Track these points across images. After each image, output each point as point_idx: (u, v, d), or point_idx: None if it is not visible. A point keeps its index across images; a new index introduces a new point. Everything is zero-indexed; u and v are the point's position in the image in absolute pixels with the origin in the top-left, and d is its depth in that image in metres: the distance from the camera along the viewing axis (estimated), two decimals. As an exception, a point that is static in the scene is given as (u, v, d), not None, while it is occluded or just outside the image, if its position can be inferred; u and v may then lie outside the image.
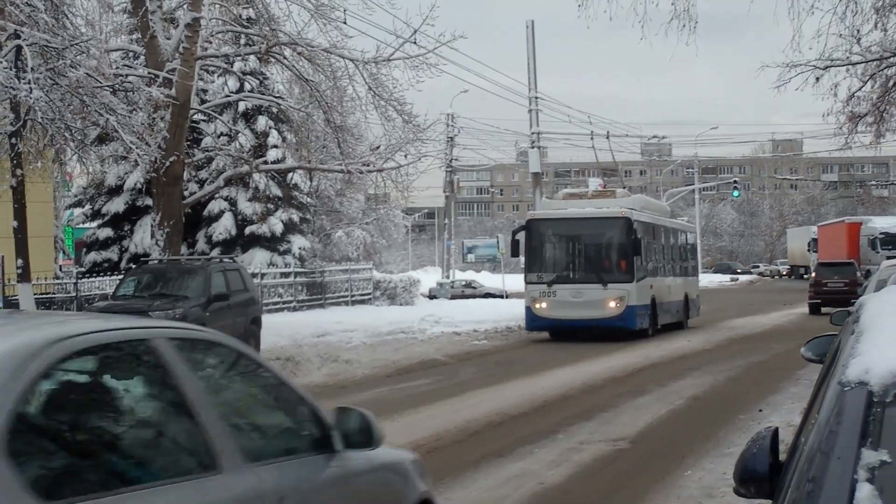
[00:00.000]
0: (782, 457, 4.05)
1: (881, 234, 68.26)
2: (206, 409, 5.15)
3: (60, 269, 47.99)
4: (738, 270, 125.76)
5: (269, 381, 6.30)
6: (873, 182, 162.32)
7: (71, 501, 4.15)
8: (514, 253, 37.77)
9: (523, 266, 36.96)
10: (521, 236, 36.34)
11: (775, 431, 4.16)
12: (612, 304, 34.11)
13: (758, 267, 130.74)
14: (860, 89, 29.29)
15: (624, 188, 45.33)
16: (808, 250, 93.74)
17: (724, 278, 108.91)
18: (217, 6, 33.06)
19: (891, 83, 29.44)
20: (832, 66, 27.16)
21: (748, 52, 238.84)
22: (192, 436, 5.07)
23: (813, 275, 50.70)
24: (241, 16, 34.13)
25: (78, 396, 4.85)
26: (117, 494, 4.39)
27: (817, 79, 26.92)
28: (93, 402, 4.91)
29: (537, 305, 35.03)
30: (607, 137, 59.04)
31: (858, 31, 25.40)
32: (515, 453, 14.29)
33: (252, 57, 42.02)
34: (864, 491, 3.01)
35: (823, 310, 43.76)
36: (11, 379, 4.21)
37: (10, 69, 23.29)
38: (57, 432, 4.52)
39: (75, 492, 4.23)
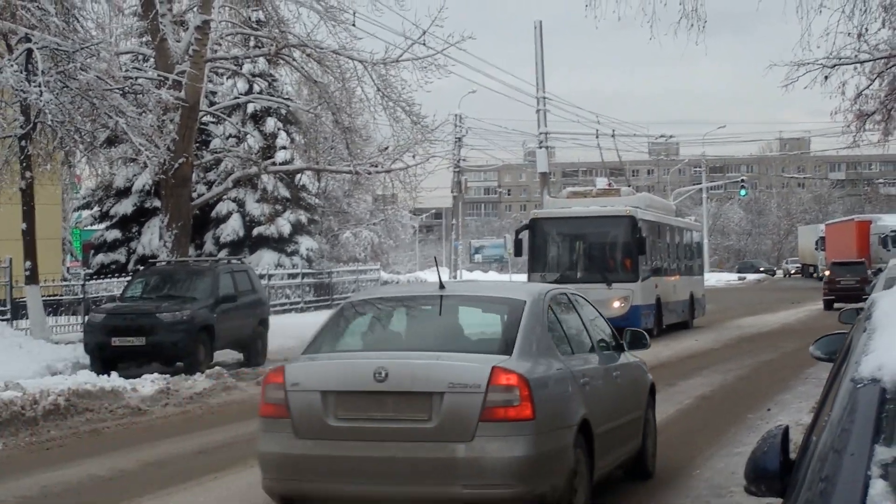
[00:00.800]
0: (793, 455, 4.07)
1: (892, 231, 68.20)
2: (588, 324, 11.80)
3: (68, 271, 48.11)
4: (762, 269, 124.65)
5: (591, 311, 12.25)
6: (881, 180, 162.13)
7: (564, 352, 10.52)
8: (518, 252, 37.51)
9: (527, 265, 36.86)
10: (525, 235, 36.18)
11: (786, 430, 4.18)
12: (617, 303, 33.88)
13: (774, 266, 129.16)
14: (868, 87, 29.31)
15: (630, 187, 45.27)
16: (816, 248, 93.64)
17: (731, 277, 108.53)
18: (227, 9, 33.09)
19: (899, 82, 29.47)
20: (840, 65, 27.16)
21: (756, 50, 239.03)
22: (584, 335, 11.55)
23: (827, 273, 53.89)
24: (250, 18, 34.15)
25: (557, 315, 10.91)
26: (577, 355, 10.80)
27: (826, 77, 26.94)
28: (562, 316, 11.13)
29: None
30: (612, 136, 58.97)
31: (866, 29, 25.40)
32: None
33: (261, 59, 42.07)
34: (878, 487, 3.03)
35: (836, 305, 45.93)
36: (543, 307, 10.50)
37: (21, 72, 23.39)
38: (553, 327, 10.61)
39: (563, 352, 10.46)
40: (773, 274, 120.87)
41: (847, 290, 49.38)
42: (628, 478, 12.58)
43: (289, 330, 32.86)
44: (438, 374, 9.37)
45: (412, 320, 11.16)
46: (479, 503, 9.34)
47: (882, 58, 27.75)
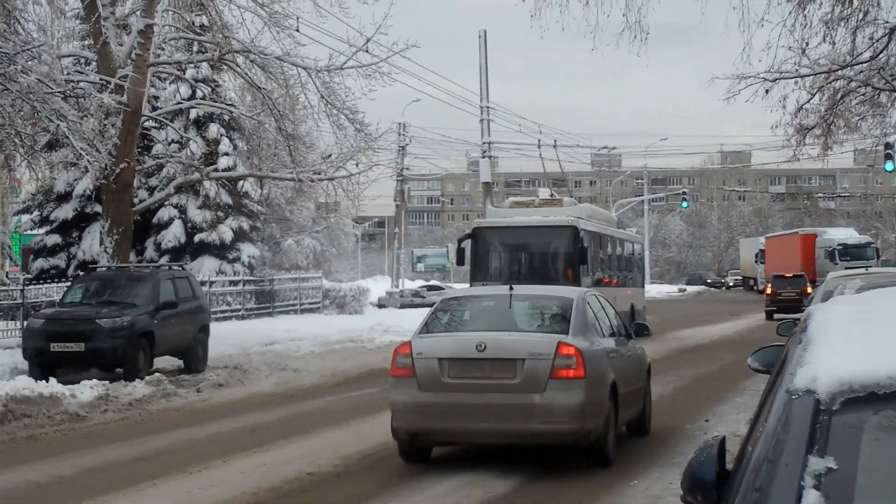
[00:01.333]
0: (730, 466, 4.10)
1: (839, 245, 68.73)
2: (609, 317, 16.06)
3: (7, 276, 47.61)
4: (709, 281, 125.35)
5: (611, 309, 16.29)
6: (820, 194, 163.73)
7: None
8: (461, 261, 37.46)
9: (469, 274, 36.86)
10: (468, 244, 36.19)
11: (723, 440, 4.21)
12: None
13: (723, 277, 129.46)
14: (808, 102, 29.55)
15: (572, 198, 45.40)
16: (756, 261, 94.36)
17: (672, 289, 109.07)
18: (170, 13, 32.96)
19: (838, 96, 29.72)
20: (781, 79, 27.38)
21: (699, 63, 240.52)
22: (607, 324, 15.58)
23: (769, 286, 57.50)
24: (194, 23, 34.01)
25: (591, 308, 15.23)
26: (604, 338, 15.04)
27: (766, 91, 27.13)
28: (594, 310, 15.36)
29: None
30: (555, 147, 59.12)
31: (807, 43, 25.62)
32: (465, 460, 14.32)
33: (204, 64, 41.87)
34: (811, 498, 3.06)
35: (776, 316, 49.41)
36: (583, 302, 14.88)
37: (-40, 74, 23.14)
38: (589, 317, 14.93)
39: (596, 334, 14.82)
40: (721, 286, 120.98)
41: (787, 301, 53.24)
42: (631, 435, 16.28)
43: (229, 337, 32.75)
44: (522, 346, 13.79)
45: (494, 310, 15.33)
46: (549, 435, 13.73)
47: (822, 72, 28.00)
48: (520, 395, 13.50)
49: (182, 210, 48.50)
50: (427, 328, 14.70)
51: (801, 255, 69.05)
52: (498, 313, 15.14)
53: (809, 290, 50.06)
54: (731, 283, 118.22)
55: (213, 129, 48.55)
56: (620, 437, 15.04)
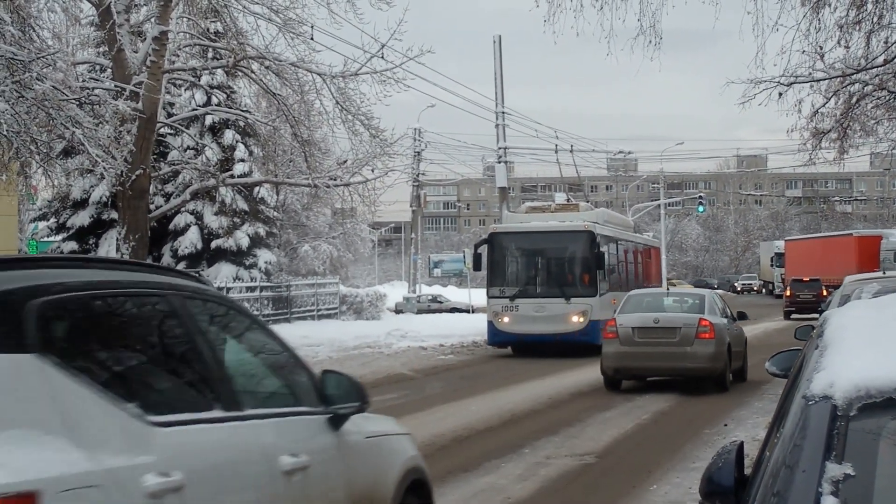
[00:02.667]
0: (747, 471, 4.08)
1: None
2: (726, 305, 27.36)
3: (25, 283, 47.72)
4: (716, 286, 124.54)
5: (723, 302, 27.17)
6: (837, 198, 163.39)
7: None
8: (477, 266, 37.52)
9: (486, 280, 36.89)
10: (484, 250, 36.22)
11: (740, 446, 4.19)
12: (576, 318, 34.00)
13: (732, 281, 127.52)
14: (824, 106, 29.44)
15: (588, 202, 45.35)
16: (772, 265, 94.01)
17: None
18: (185, 20, 32.99)
19: (854, 100, 29.62)
20: (796, 83, 27.26)
21: (714, 67, 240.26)
22: (726, 309, 26.35)
23: (788, 289, 64.05)
24: (208, 29, 34.05)
25: (716, 300, 26.70)
26: (724, 318, 25.40)
27: (780, 95, 27.02)
28: (717, 301, 26.83)
29: (499, 320, 34.85)
30: (571, 152, 59.15)
31: (822, 47, 25.52)
32: (482, 468, 14.31)
33: (219, 71, 42.00)
34: (829, 504, 3.05)
35: (794, 316, 57.39)
36: (713, 296, 26.82)
37: (-24, 82, 23.18)
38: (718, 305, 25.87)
39: (720, 315, 25.46)
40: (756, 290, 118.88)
41: (805, 303, 58.91)
42: (735, 380, 24.77)
43: (246, 343, 32.73)
44: (679, 320, 23.95)
45: (660, 300, 26.32)
46: (694, 370, 23.46)
47: (837, 76, 27.91)
48: (678, 348, 23.36)
49: (198, 216, 48.58)
50: (623, 309, 25.18)
51: (858, 256, 68.00)
52: (663, 302, 25.99)
53: (825, 293, 53.96)
54: (739, 289, 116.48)
55: (229, 136, 48.63)
56: (622, 441, 15.02)
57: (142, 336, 5.86)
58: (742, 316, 26.89)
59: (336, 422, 7.00)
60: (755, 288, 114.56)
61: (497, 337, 35.26)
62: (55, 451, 4.48)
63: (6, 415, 4.45)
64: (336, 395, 7.08)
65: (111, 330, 5.59)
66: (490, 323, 35.25)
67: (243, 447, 5.91)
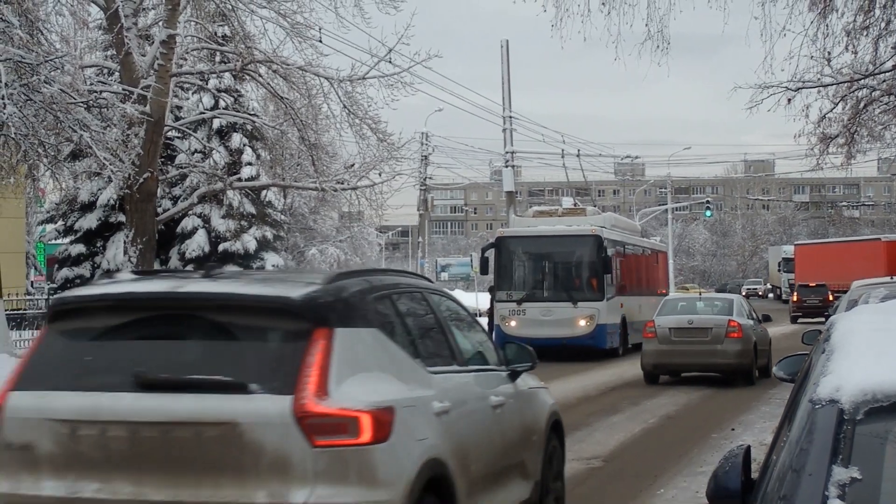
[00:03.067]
0: (755, 475, 4.09)
1: None
2: (752, 309, 30.08)
3: (32, 285, 47.87)
4: (742, 292, 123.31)
5: (749, 305, 30.51)
6: (844, 203, 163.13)
7: None
8: (484, 270, 37.44)
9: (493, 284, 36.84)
10: (491, 254, 36.19)
11: (747, 449, 4.20)
12: (583, 322, 33.96)
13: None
14: (831, 111, 29.42)
15: (595, 207, 45.33)
16: (779, 270, 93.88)
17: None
18: (193, 23, 33.03)
19: (861, 105, 29.61)
20: (804, 88, 27.28)
21: (721, 72, 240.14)
22: (752, 313, 29.19)
23: (795, 294, 65.68)
24: (216, 33, 34.10)
25: (744, 304, 29.86)
26: (749, 319, 28.23)
27: (789, 100, 27.02)
28: (745, 304, 30.00)
29: (506, 324, 34.79)
30: (578, 156, 59.17)
31: (829, 53, 25.52)
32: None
33: (227, 74, 41.97)
34: (835, 507, 3.06)
35: (801, 320, 58.63)
36: (740, 301, 29.99)
37: (-16, 85, 23.21)
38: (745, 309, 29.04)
39: (747, 317, 28.22)
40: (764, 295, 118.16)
41: (811, 307, 60.79)
42: (760, 376, 26.69)
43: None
44: (711, 321, 26.38)
45: (694, 304, 28.23)
46: (724, 366, 26.26)
47: (845, 82, 27.90)
48: (710, 346, 25.96)
49: (206, 220, 48.63)
50: (660, 312, 27.84)
51: (887, 261, 67.45)
52: (695, 306, 28.08)
53: (831, 297, 56.06)
54: (744, 293, 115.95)
55: (236, 139, 48.68)
56: (629, 445, 15.04)
57: (417, 316, 8.91)
58: (766, 318, 29.39)
59: (513, 376, 10.13)
60: (760, 293, 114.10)
61: (504, 341, 35.15)
62: (393, 385, 7.48)
63: (371, 363, 7.46)
64: (513, 358, 10.27)
65: (403, 313, 8.54)
66: (497, 327, 35.20)
67: (472, 388, 9.08)
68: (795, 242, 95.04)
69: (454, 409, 8.09)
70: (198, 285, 7.60)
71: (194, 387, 6.90)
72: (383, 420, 6.96)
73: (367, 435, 6.83)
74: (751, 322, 27.29)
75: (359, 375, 7.19)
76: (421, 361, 8.12)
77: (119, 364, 7.25)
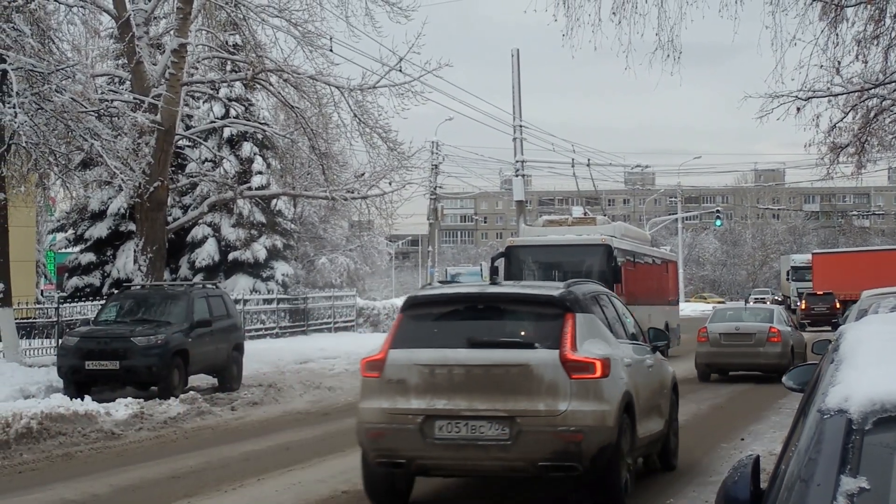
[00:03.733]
0: (764, 485, 4.09)
1: None
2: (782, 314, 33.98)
3: (42, 294, 47.89)
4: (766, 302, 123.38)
5: (787, 314, 34.38)
6: (854, 212, 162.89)
7: None
8: (494, 280, 37.27)
9: None
10: (501, 263, 36.09)
11: (756, 459, 4.21)
12: None
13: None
14: (842, 120, 29.38)
15: (605, 216, 45.27)
16: (788, 279, 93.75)
17: (706, 307, 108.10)
18: (204, 32, 33.12)
19: (872, 114, 29.56)
20: (814, 97, 27.24)
21: (732, 82, 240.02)
22: (787, 320, 32.36)
23: (803, 303, 67.59)
24: (227, 42, 34.17)
25: (782, 312, 32.98)
26: (785, 326, 31.89)
27: (798, 109, 26.99)
28: (783, 312, 33.76)
29: None
30: (588, 165, 59.10)
31: (839, 62, 25.48)
32: (493, 480, 14.28)
33: (238, 83, 42.13)
34: (844, 517, 3.06)
35: (809, 328, 58.11)
36: (780, 310, 33.24)
37: (-4, 94, 23.30)
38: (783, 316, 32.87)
39: (785, 323, 32.53)
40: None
41: (819, 315, 62.92)
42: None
43: (264, 355, 32.79)
44: (754, 328, 30.51)
45: (740, 313, 32.58)
46: (767, 365, 29.84)
47: (855, 91, 27.88)
48: (754, 348, 29.92)
49: (216, 228, 48.70)
50: (711, 320, 31.80)
51: None
52: (741, 314, 32.32)
53: (838, 305, 60.59)
54: (752, 303, 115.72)
55: (247, 148, 48.77)
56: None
57: (608, 309, 13.61)
58: (802, 326, 34.84)
59: (654, 350, 14.99)
60: (768, 302, 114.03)
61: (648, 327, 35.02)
62: (606, 347, 12.19)
63: (594, 334, 12.18)
64: (654, 338, 15.37)
65: (602, 306, 13.31)
66: None
67: (637, 354, 13.67)
68: (813, 251, 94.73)
69: (633, 365, 12.96)
70: (495, 288, 13.42)
71: (503, 345, 12.10)
72: (606, 365, 11.83)
73: (598, 373, 11.72)
74: (789, 329, 31.51)
75: (589, 340, 12.04)
76: (614, 335, 12.91)
77: (455, 332, 12.32)
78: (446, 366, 11.88)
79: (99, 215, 46.86)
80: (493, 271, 36.73)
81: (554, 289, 12.85)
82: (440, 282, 15.25)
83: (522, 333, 12.35)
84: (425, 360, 11.94)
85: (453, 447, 11.71)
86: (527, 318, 12.50)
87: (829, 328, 51.40)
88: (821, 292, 67.67)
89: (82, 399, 21.77)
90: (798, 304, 71.53)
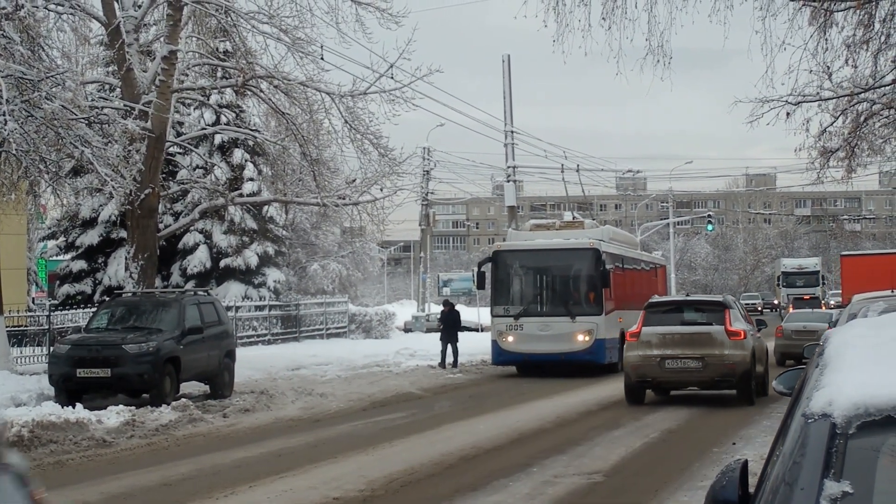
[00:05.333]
0: (752, 489, 4.11)
1: None
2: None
3: (33, 302, 47.85)
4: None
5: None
6: (845, 217, 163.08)
7: None
8: (481, 285, 37.01)
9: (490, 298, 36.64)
10: (488, 268, 36.00)
11: (745, 463, 4.22)
12: (581, 337, 33.72)
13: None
14: (831, 125, 29.40)
15: (594, 220, 45.25)
16: (778, 284, 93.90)
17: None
18: (194, 39, 33.12)
19: (861, 118, 29.60)
20: (804, 102, 27.26)
21: (722, 87, 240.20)
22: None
23: (791, 307, 65.65)
24: (217, 49, 34.19)
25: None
26: None
27: (788, 114, 27.00)
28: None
29: (504, 339, 34.52)
30: (577, 171, 59.12)
31: (829, 66, 25.52)
32: (490, 487, 14.29)
33: (228, 90, 42.08)
34: (827, 521, 3.07)
35: None
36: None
37: (-14, 101, 23.25)
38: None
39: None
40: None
41: None
42: None
43: (256, 362, 32.80)
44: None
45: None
46: None
47: (845, 95, 27.91)
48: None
49: (207, 235, 48.65)
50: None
51: None
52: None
53: (824, 307, 62.18)
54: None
55: (238, 155, 48.73)
56: (630, 460, 15.06)
57: (740, 309, 27.12)
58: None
59: (759, 330, 27.46)
60: (759, 307, 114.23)
61: (502, 356, 34.90)
62: (743, 325, 25.84)
63: (737, 320, 25.56)
64: (758, 324, 28.13)
65: (739, 307, 27.33)
66: (494, 342, 34.93)
67: (752, 331, 26.64)
68: (842, 253, 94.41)
69: (752, 335, 25.36)
70: (691, 298, 28.31)
71: (698, 324, 25.05)
72: (745, 333, 24.72)
73: (741, 337, 24.56)
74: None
75: (736, 321, 24.98)
76: (744, 320, 24.64)
77: (672, 320, 25.26)
78: (672, 334, 24.80)
79: (90, 223, 46.81)
80: (480, 277, 36.61)
81: (719, 295, 26.73)
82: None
83: (709, 321, 24.96)
84: (660, 332, 24.74)
85: (674, 372, 24.48)
86: (707, 311, 25.68)
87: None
88: (808, 297, 70.97)
89: (74, 407, 21.77)
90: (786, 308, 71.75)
